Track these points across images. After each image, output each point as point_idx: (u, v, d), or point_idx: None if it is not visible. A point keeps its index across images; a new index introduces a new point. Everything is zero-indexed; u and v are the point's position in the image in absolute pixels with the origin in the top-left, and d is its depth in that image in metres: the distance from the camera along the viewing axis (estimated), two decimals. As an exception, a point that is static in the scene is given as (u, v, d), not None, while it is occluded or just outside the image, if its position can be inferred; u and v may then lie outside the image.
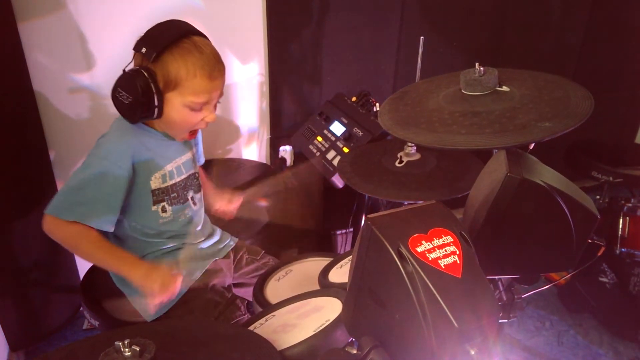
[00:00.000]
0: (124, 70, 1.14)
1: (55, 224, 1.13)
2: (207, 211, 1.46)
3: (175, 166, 1.28)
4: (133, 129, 1.21)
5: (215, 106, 1.23)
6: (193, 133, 1.27)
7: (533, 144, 0.92)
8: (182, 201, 1.29)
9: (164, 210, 1.25)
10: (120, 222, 1.21)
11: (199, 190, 1.38)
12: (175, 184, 1.27)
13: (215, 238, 1.43)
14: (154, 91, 1.11)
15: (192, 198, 1.33)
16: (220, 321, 1.28)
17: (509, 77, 1.05)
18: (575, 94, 0.97)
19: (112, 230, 1.17)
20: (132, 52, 1.15)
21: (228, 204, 1.50)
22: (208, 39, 1.20)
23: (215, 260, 1.38)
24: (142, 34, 1.15)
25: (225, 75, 1.21)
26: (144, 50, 1.12)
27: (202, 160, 1.49)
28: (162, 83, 1.13)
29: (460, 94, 1.04)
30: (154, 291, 1.08)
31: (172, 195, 1.27)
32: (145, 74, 1.11)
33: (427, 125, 0.97)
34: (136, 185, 1.20)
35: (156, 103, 1.13)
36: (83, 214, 1.12)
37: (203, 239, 1.39)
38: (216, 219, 1.50)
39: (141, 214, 1.23)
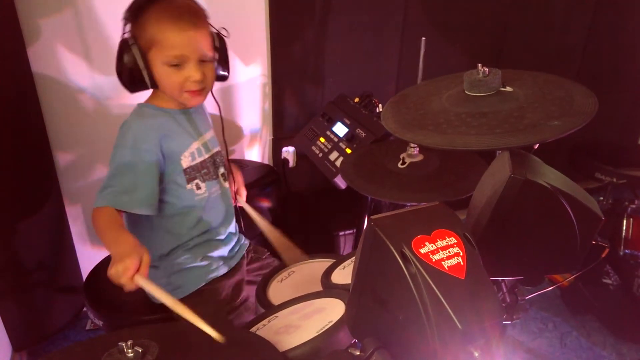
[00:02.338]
0: None
1: (93, 215, 1.14)
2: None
3: (202, 143, 1.32)
4: (152, 112, 1.24)
5: (206, 68, 1.21)
6: (194, 94, 1.23)
7: (537, 145, 0.92)
8: (214, 177, 1.33)
9: (198, 187, 1.29)
10: (159, 204, 1.23)
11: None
12: (204, 160, 1.31)
13: (237, 236, 1.46)
14: (138, 55, 1.15)
15: (223, 174, 1.38)
16: (230, 319, 1.31)
17: (509, 78, 1.04)
18: (577, 92, 0.97)
19: (154, 213, 1.19)
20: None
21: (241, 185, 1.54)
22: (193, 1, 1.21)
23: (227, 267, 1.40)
24: None
25: (202, 30, 1.20)
26: (126, 16, 1.18)
27: None
28: (143, 45, 1.16)
29: (464, 95, 1.04)
30: (112, 272, 0.99)
31: (203, 171, 1.31)
32: (129, 40, 1.16)
33: (435, 127, 0.97)
34: (168, 166, 1.23)
35: (142, 66, 1.16)
36: (119, 201, 1.14)
37: (232, 229, 1.42)
38: None
39: (178, 194, 1.27)
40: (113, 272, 0.97)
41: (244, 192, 1.54)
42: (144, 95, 1.28)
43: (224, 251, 1.39)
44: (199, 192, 1.29)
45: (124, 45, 1.17)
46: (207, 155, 1.33)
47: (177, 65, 1.18)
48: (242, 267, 1.45)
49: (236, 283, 1.39)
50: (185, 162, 1.26)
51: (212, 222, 1.35)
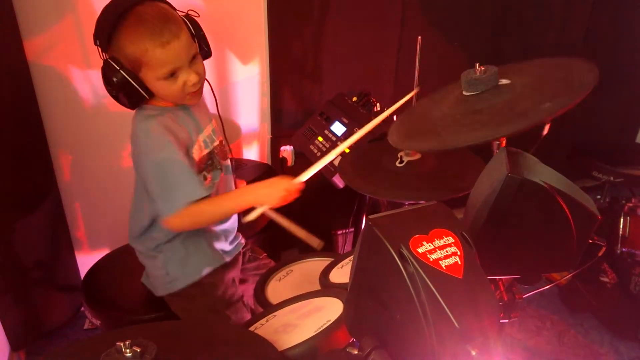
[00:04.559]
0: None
1: (174, 224, 1.18)
2: None
3: (207, 134, 1.30)
4: (156, 112, 1.21)
5: (197, 65, 1.18)
6: (194, 94, 1.21)
7: (535, 146, 0.92)
8: (218, 167, 1.32)
9: (205, 178, 1.27)
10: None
11: (226, 158, 1.39)
12: (210, 151, 1.30)
13: (235, 232, 1.45)
14: (127, 77, 1.11)
15: (225, 167, 1.36)
16: (227, 314, 1.32)
17: (510, 71, 1.04)
18: (579, 68, 0.95)
19: (209, 192, 1.20)
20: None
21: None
22: (155, 2, 1.12)
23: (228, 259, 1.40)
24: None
25: (182, 34, 1.12)
26: (98, 42, 1.12)
27: None
28: (130, 66, 1.11)
29: (463, 96, 1.04)
30: (277, 200, 1.18)
31: (209, 162, 1.29)
32: (113, 64, 1.10)
33: (431, 133, 0.98)
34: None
35: (137, 86, 1.13)
36: (180, 199, 1.15)
37: (233, 224, 1.42)
38: None
39: None
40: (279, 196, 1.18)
41: None
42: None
43: (224, 245, 1.38)
44: (205, 182, 1.27)
45: (109, 70, 1.11)
46: (212, 146, 1.31)
47: (172, 75, 1.15)
48: (238, 264, 1.45)
49: (233, 278, 1.40)
50: (196, 155, 1.24)
51: None
